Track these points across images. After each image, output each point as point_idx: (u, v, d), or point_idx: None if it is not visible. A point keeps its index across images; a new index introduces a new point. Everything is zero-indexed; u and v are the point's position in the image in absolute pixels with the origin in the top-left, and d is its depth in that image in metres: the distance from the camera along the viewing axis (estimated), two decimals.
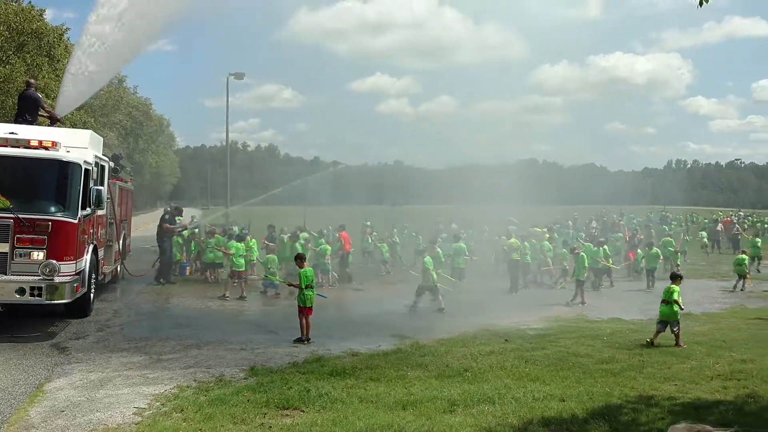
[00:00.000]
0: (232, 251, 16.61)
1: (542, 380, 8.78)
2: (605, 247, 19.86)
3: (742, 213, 59.34)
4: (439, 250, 17.39)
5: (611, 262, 19.83)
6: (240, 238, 17.14)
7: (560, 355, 10.38)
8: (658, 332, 11.38)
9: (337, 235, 21.17)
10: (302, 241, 18.84)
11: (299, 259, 11.97)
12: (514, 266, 18.89)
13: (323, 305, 12.71)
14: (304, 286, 11.27)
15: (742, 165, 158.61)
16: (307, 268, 11.71)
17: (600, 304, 16.80)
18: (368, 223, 26.54)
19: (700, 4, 6.19)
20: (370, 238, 23.35)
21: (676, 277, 12.28)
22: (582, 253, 17.52)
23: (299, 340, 11.03)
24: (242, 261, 16.46)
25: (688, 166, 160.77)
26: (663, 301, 11.70)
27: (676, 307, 11.45)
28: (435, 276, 15.39)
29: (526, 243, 19.44)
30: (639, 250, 21.89)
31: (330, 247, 19.28)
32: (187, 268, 20.04)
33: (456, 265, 18.55)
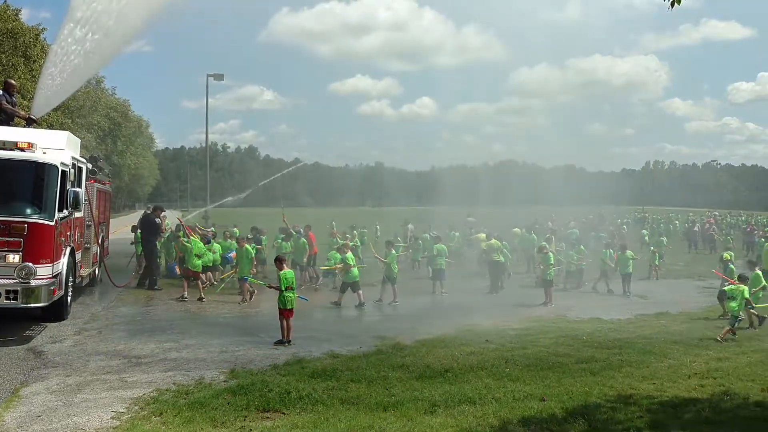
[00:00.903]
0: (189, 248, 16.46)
1: (522, 380, 8.84)
2: (581, 247, 20.01)
3: (717, 213, 60.17)
4: (393, 251, 17.41)
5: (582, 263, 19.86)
6: (206, 240, 17.09)
7: (540, 355, 10.46)
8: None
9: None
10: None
11: (279, 261, 11.93)
12: (494, 266, 18.99)
13: (303, 309, 12.69)
14: (284, 288, 11.22)
15: (718, 166, 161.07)
16: (287, 270, 11.65)
17: (580, 304, 16.94)
18: (333, 223, 26.60)
19: (672, 5, 6.28)
20: (337, 239, 23.14)
21: (743, 279, 13.27)
22: (549, 253, 17.66)
23: (280, 342, 10.99)
24: (198, 262, 16.38)
25: (666, 167, 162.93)
26: (729, 298, 12.68)
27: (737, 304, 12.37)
28: (395, 269, 16.72)
29: (506, 243, 19.57)
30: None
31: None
32: (176, 267, 19.76)
33: (436, 266, 18.60)
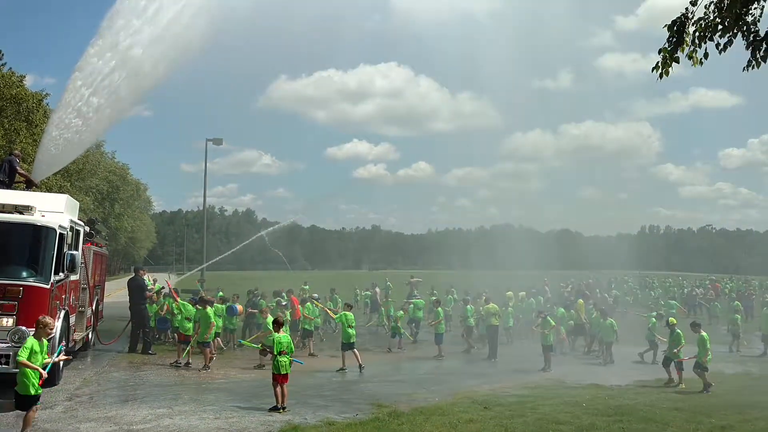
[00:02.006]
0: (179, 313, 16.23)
1: None
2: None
3: (713, 278, 60.06)
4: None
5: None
6: (203, 302, 16.38)
7: (540, 423, 10.27)
8: None
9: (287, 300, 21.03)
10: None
11: (276, 323, 11.77)
12: (492, 331, 18.85)
13: (296, 373, 12.48)
14: (277, 352, 11.05)
15: (714, 230, 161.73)
16: (283, 335, 11.48)
17: (579, 369, 16.74)
18: (306, 287, 26.38)
19: (660, 76, 6.49)
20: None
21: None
22: (548, 317, 17.59)
23: (274, 409, 10.77)
24: (189, 325, 16.07)
25: (661, 231, 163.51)
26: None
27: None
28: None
29: (507, 308, 19.59)
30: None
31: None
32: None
33: (412, 315, 20.53)
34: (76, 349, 15.00)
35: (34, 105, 27.46)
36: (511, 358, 18.38)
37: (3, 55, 31.14)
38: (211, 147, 36.09)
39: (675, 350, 14.74)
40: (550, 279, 34.54)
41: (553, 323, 17.48)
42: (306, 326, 18.40)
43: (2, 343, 10.13)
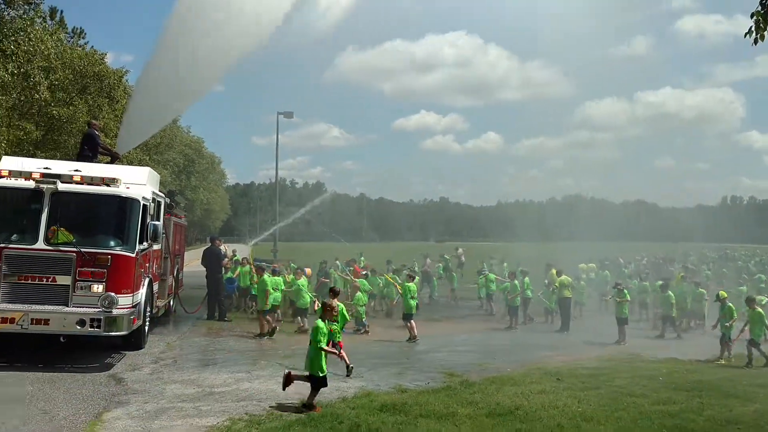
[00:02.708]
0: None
1: (596, 420, 8.58)
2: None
3: None
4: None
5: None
6: (258, 270, 16.57)
7: (615, 395, 10.12)
8: None
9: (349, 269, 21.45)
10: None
11: (332, 292, 11.68)
12: (565, 303, 18.62)
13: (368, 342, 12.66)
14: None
15: None
16: (337, 303, 11.56)
17: (655, 343, 16.37)
18: (362, 258, 26.37)
19: (755, 42, 6.12)
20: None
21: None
22: (624, 290, 17.23)
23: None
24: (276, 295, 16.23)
25: (744, 202, 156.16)
26: None
27: None
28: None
29: (581, 282, 19.34)
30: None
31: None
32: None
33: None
34: (159, 315, 15.70)
35: (115, 81, 28.51)
36: (584, 331, 18.12)
37: (86, 34, 32.46)
38: (282, 120, 36.68)
39: (727, 324, 14.37)
40: (625, 252, 33.70)
41: (629, 297, 17.08)
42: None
43: (94, 307, 10.68)
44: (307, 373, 9.07)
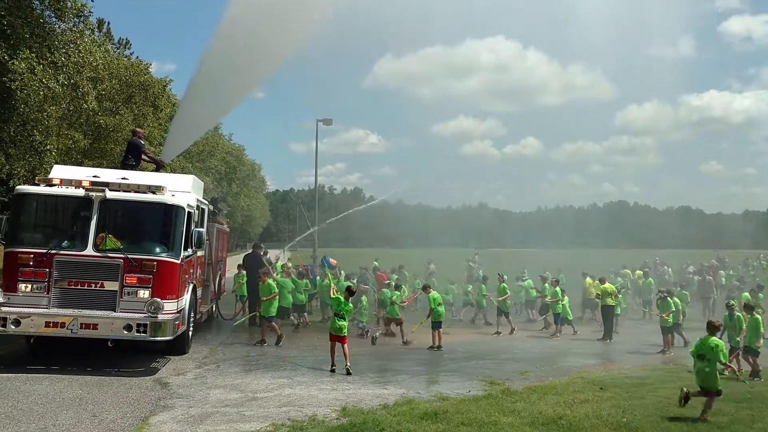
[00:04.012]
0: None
1: (642, 431, 8.42)
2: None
3: None
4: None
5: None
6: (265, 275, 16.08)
7: (660, 405, 9.93)
8: None
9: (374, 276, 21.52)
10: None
11: (348, 291, 13.08)
12: (607, 311, 18.33)
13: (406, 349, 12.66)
14: (335, 313, 12.61)
15: None
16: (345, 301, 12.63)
17: None
18: (376, 263, 25.99)
19: None
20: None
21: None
22: (668, 299, 16.65)
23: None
24: (300, 297, 17.53)
25: None
26: None
27: None
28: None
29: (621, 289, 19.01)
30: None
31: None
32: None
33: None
34: (203, 320, 15.97)
35: (159, 90, 29.17)
36: (627, 340, 17.79)
37: (131, 44, 33.32)
38: (320, 127, 36.93)
39: (738, 338, 13.22)
40: (669, 258, 32.99)
41: (674, 306, 16.53)
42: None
43: (140, 313, 10.93)
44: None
